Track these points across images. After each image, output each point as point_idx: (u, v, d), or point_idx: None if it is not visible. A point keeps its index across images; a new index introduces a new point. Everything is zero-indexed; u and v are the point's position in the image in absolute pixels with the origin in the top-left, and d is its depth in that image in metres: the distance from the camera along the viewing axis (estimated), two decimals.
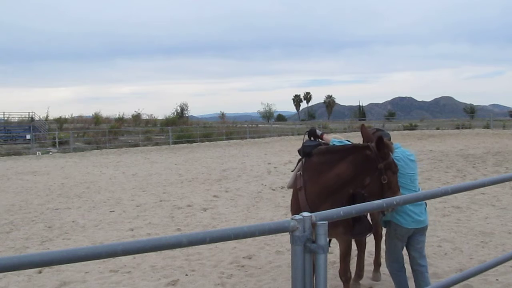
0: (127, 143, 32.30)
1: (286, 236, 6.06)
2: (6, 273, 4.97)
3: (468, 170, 12.96)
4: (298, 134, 37.61)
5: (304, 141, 4.30)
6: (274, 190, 10.85)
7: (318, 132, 4.43)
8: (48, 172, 16.02)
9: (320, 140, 4.39)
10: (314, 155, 4.04)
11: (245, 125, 49.12)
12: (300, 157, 4.32)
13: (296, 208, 4.06)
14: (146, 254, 5.47)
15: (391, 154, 3.66)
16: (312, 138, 4.41)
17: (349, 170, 3.67)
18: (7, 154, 26.66)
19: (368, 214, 4.32)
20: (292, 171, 4.58)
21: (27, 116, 45.36)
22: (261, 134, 36.69)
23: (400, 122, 47.99)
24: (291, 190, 4.41)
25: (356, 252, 4.84)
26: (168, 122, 47.22)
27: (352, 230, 3.97)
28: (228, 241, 5.37)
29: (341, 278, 4.17)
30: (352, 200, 3.69)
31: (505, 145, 20.03)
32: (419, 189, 4.06)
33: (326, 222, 1.96)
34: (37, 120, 43.51)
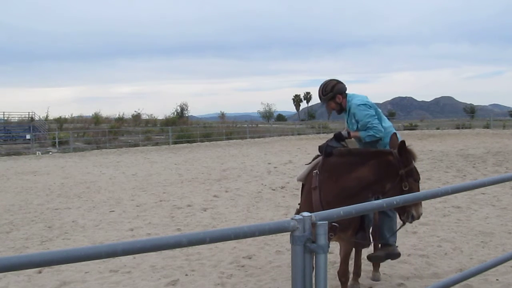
0: (127, 143, 32.34)
1: (286, 236, 6.05)
2: (6, 273, 4.97)
3: (468, 170, 12.96)
4: (298, 134, 37.64)
5: (329, 140, 4.22)
6: (274, 190, 10.83)
7: (345, 133, 4.33)
8: (48, 172, 16.02)
9: (345, 142, 4.31)
10: (333, 156, 3.96)
11: (245, 125, 49.14)
12: (317, 153, 4.28)
13: (307, 207, 3.97)
14: (146, 254, 5.47)
15: (413, 161, 3.64)
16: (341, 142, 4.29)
17: (370, 174, 3.63)
18: (7, 154, 26.67)
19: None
20: (306, 164, 4.52)
21: (27, 116, 45.40)
22: (261, 134, 36.73)
23: (400, 122, 48.03)
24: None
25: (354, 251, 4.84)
26: (168, 122, 47.31)
27: (355, 234, 4.00)
28: (228, 241, 5.37)
29: (340, 279, 4.17)
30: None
31: (505, 145, 20.02)
32: (390, 124, 4.48)
33: (326, 222, 1.96)
34: (37, 120, 43.55)
